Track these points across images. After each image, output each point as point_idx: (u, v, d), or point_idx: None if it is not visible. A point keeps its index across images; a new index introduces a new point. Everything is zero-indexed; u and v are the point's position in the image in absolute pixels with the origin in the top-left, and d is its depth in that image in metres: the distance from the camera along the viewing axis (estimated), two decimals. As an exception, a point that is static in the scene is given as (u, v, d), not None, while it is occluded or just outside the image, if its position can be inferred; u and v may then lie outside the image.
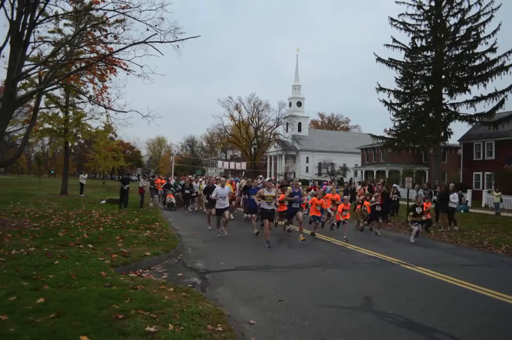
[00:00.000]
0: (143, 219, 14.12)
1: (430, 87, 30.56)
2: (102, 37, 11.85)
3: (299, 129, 72.68)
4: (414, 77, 31.21)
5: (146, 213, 16.39)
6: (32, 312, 4.29)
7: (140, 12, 10.65)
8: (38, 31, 11.15)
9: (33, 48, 11.72)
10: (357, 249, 10.37)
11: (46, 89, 13.02)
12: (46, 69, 11.94)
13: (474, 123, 31.12)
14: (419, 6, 30.32)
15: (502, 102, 27.79)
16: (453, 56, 29.67)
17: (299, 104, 74.92)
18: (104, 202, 21.24)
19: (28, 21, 10.22)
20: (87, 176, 27.97)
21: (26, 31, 10.25)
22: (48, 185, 36.35)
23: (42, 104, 20.00)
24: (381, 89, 31.46)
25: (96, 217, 13.86)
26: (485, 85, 28.37)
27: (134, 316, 4.43)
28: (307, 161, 70.85)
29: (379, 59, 31.23)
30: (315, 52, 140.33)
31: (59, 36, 16.61)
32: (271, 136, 69.20)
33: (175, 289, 5.78)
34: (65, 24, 18.67)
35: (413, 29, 30.73)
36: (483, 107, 29.41)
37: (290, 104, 73.39)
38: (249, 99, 68.39)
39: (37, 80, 15.90)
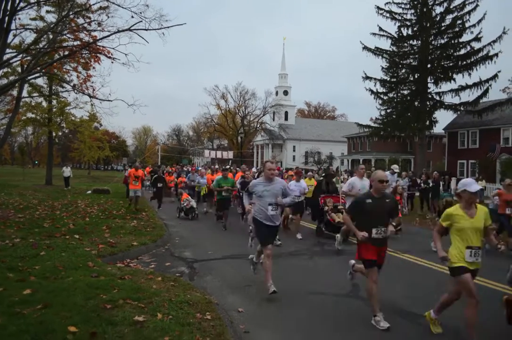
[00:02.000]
0: (129, 208, 14.05)
1: (416, 76, 30.75)
2: (85, 25, 11.68)
3: (286, 118, 72.49)
4: (400, 66, 31.37)
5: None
6: (19, 304, 4.26)
7: (124, -2, 10.50)
8: (19, 18, 11.02)
9: (15, 35, 11.51)
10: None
11: (29, 77, 12.79)
12: (29, 58, 11.70)
13: (459, 112, 31.51)
14: (406, -5, 30.30)
15: (486, 91, 28.15)
16: (438, 45, 29.83)
17: (285, 93, 74.54)
18: (89, 192, 21.08)
19: (9, 8, 9.98)
20: (70, 168, 27.03)
21: (7, 18, 10.03)
22: (32, 176, 35.86)
23: (24, 93, 19.58)
24: (367, 78, 31.56)
25: (82, 207, 13.75)
26: (469, 74, 28.67)
27: (122, 306, 4.43)
28: (294, 150, 70.80)
29: (365, 47, 31.25)
30: (302, 41, 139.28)
31: (41, 23, 16.37)
32: (258, 125, 68.97)
33: (163, 279, 5.79)
34: (48, 11, 18.33)
35: (399, 17, 30.77)
36: (467, 96, 29.88)
37: (276, 93, 72.99)
38: (236, 88, 67.90)
39: (19, 69, 15.53)
